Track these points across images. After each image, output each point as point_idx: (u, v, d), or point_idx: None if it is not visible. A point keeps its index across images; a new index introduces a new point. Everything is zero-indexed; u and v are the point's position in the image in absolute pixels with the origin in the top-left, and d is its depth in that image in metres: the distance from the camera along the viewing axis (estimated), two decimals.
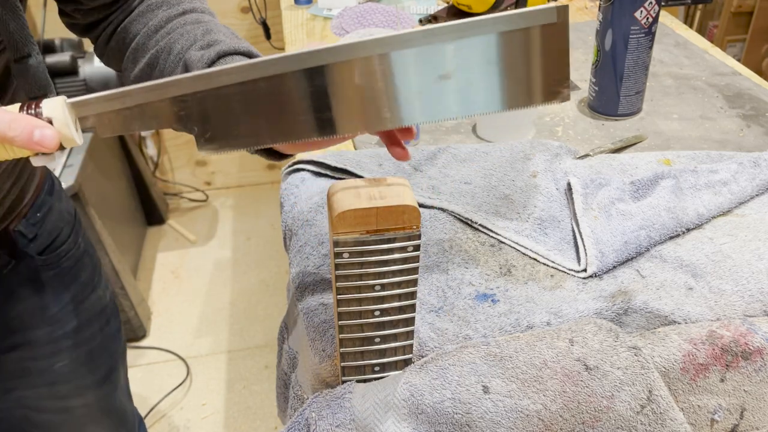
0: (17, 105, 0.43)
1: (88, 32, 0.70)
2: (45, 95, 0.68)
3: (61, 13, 0.70)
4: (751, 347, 0.54)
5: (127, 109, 0.44)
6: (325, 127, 0.46)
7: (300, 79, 0.44)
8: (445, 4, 1.33)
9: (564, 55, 0.43)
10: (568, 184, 0.74)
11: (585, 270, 0.64)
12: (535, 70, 0.44)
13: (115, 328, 0.92)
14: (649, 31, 0.86)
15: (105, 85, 1.67)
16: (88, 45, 1.95)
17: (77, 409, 0.89)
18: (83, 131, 0.45)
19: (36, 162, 0.45)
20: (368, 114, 0.45)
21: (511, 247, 0.68)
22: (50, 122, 0.43)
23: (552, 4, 0.41)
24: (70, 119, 0.44)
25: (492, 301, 0.61)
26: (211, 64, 0.58)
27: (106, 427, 0.96)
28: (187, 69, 0.60)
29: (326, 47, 0.43)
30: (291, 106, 0.45)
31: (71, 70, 1.65)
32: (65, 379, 0.85)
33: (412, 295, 0.49)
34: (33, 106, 0.43)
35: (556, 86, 0.44)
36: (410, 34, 0.42)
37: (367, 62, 0.43)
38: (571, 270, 0.64)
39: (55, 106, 0.43)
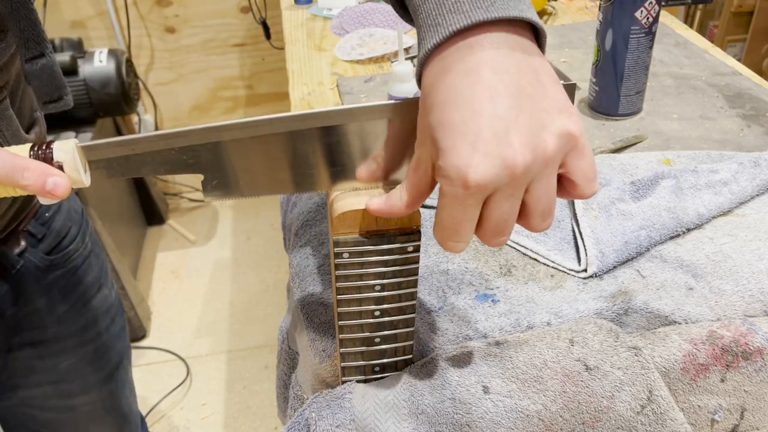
0: (27, 146, 0.44)
1: None
2: (60, 98, 0.68)
3: None
4: (751, 347, 0.54)
5: (137, 155, 0.45)
6: (337, 179, 0.47)
7: (310, 136, 0.45)
8: None
9: None
10: None
11: (585, 270, 0.64)
12: None
13: (120, 326, 0.93)
14: (650, 31, 0.85)
15: (104, 84, 1.67)
16: (87, 45, 1.95)
17: (82, 407, 0.89)
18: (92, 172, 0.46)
19: (43, 201, 0.46)
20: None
21: (511, 247, 0.68)
22: (61, 167, 0.44)
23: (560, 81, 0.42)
24: (80, 163, 0.44)
25: (492, 301, 0.61)
26: None
27: (110, 426, 0.96)
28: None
29: (334, 109, 0.44)
30: (299, 161, 0.46)
31: (71, 70, 1.65)
32: (70, 378, 0.85)
33: (412, 296, 0.49)
34: (44, 148, 0.44)
35: None
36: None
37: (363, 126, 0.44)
38: (572, 270, 0.64)
39: (66, 149, 0.44)
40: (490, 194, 0.38)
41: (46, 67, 0.64)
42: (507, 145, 0.36)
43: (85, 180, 0.45)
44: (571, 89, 0.43)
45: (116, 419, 0.97)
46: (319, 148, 0.45)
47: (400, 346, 0.51)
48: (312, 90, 1.07)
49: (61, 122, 1.70)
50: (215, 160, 0.45)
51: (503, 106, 0.36)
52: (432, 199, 0.73)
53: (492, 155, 0.36)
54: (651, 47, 0.87)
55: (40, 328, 0.80)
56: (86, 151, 0.45)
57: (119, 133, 2.02)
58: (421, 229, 0.46)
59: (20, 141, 0.65)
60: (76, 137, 1.67)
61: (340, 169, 0.46)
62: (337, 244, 0.45)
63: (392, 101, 0.44)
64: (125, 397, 0.97)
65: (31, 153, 0.44)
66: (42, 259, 0.77)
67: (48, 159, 0.44)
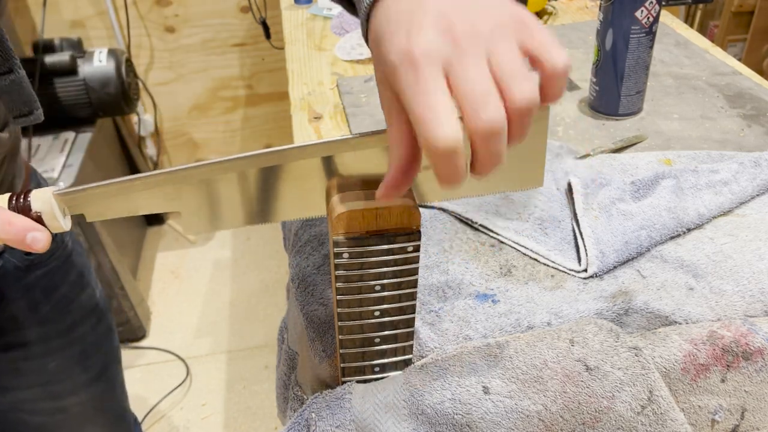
0: (6, 196, 0.45)
1: None
2: (30, 112, 0.68)
3: None
4: (751, 347, 0.54)
5: (117, 198, 0.46)
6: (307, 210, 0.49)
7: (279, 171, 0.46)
8: None
9: (540, 149, 0.46)
10: (569, 184, 0.74)
11: (585, 270, 0.64)
12: (512, 161, 0.45)
13: (107, 326, 0.92)
14: (650, 31, 0.85)
15: (104, 84, 1.67)
16: (87, 44, 1.95)
17: (72, 408, 0.89)
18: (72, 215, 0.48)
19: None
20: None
21: (512, 247, 0.68)
22: (39, 217, 0.45)
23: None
24: (58, 210, 0.45)
25: (492, 301, 0.61)
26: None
27: (103, 426, 0.96)
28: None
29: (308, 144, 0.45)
30: (272, 193, 0.47)
31: (71, 70, 1.65)
32: (59, 378, 0.85)
33: (412, 296, 0.49)
34: (22, 199, 0.45)
35: (532, 176, 0.48)
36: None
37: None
38: (572, 270, 0.64)
39: (43, 200, 0.45)
40: (447, 68, 0.37)
41: (15, 82, 0.65)
42: (445, 18, 0.37)
43: (64, 225, 0.46)
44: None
45: (108, 419, 0.96)
46: (288, 182, 0.47)
47: (400, 346, 0.51)
48: (312, 90, 1.07)
49: (62, 122, 1.70)
50: (193, 199, 0.47)
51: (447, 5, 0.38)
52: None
53: (429, 27, 0.37)
54: (651, 47, 0.87)
55: (23, 329, 0.80)
56: (64, 198, 0.46)
57: (119, 133, 2.02)
58: (421, 229, 0.46)
59: None
60: (75, 137, 1.67)
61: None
62: (337, 244, 0.45)
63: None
64: (116, 396, 0.97)
65: (10, 204, 0.45)
66: (22, 260, 0.76)
67: (26, 209, 0.45)
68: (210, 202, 0.47)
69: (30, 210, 0.45)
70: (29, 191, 0.45)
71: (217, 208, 0.48)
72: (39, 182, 0.82)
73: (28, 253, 0.77)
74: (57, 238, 0.81)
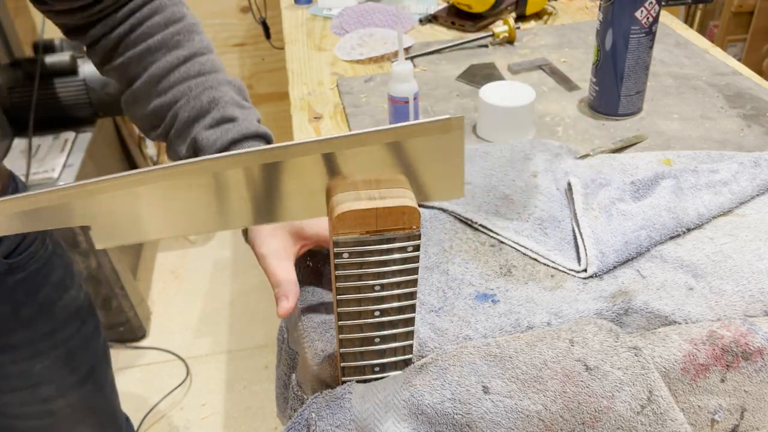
0: None
1: (75, 36, 0.68)
2: None
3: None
4: (751, 347, 0.54)
5: (25, 213, 0.45)
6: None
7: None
8: (445, 4, 1.32)
9: (459, 160, 0.46)
10: (569, 184, 0.74)
11: (585, 270, 0.64)
12: (432, 173, 0.47)
13: (93, 327, 0.91)
14: (650, 31, 0.85)
15: (104, 84, 1.67)
16: None
17: (61, 410, 0.88)
18: None
19: None
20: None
21: (512, 247, 0.68)
22: None
23: (446, 116, 0.44)
24: None
25: (492, 301, 0.61)
26: (224, 149, 0.62)
27: (93, 427, 0.95)
28: (196, 148, 0.63)
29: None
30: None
31: (71, 70, 1.65)
32: (46, 381, 0.85)
33: (412, 296, 0.49)
34: None
35: (452, 186, 0.48)
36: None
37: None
38: (572, 270, 0.64)
39: None
40: None
41: None
42: None
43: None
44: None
45: (99, 421, 0.96)
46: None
47: (400, 346, 0.51)
48: (312, 90, 1.07)
49: (62, 122, 1.70)
50: (108, 210, 0.46)
51: None
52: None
53: None
54: (651, 47, 0.87)
55: (7, 333, 0.79)
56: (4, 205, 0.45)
57: (119, 133, 2.02)
58: (421, 229, 0.46)
59: None
60: (76, 137, 1.67)
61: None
62: (337, 244, 0.45)
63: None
64: (106, 397, 0.96)
65: None
66: (1, 263, 0.76)
67: None
68: (116, 216, 0.46)
69: None
70: None
71: (123, 221, 0.47)
72: (17, 187, 0.82)
73: (7, 256, 0.77)
74: (37, 240, 0.81)
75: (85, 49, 0.69)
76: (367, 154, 0.45)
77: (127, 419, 1.10)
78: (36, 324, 0.82)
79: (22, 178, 1.49)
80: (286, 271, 0.58)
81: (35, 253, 0.80)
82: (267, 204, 0.48)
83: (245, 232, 0.62)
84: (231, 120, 0.63)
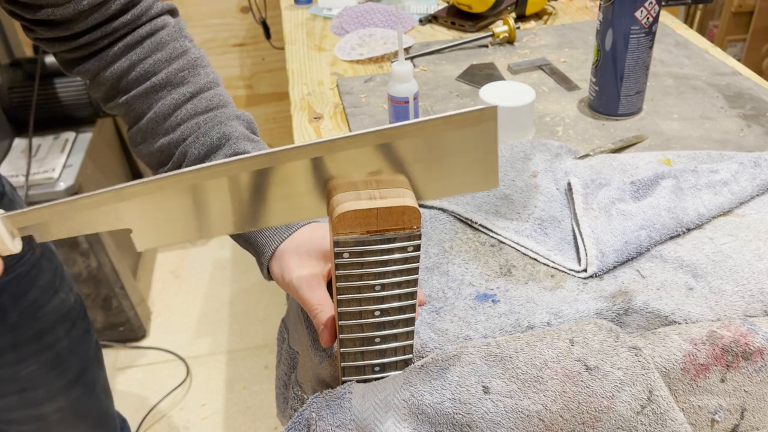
0: None
1: (70, 69, 0.67)
2: None
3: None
4: (751, 347, 0.54)
5: (64, 219, 0.46)
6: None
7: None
8: (446, 4, 1.33)
9: (492, 150, 0.46)
10: (569, 184, 0.74)
11: (585, 270, 0.64)
12: (466, 164, 0.47)
13: (83, 330, 0.91)
14: (650, 31, 0.85)
15: None
16: None
17: (51, 415, 0.88)
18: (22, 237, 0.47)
19: None
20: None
21: (512, 247, 0.68)
22: None
23: (479, 107, 0.43)
24: (6, 233, 0.45)
25: (492, 301, 0.61)
26: None
27: (84, 431, 0.94)
28: None
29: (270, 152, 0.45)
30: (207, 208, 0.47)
31: None
32: (34, 385, 0.84)
33: (412, 295, 0.49)
34: None
35: (486, 177, 0.48)
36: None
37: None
38: (572, 270, 0.64)
39: None
40: None
41: None
42: None
43: (13, 247, 0.46)
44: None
45: (90, 424, 0.95)
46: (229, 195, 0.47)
47: (400, 346, 0.51)
48: (312, 90, 1.07)
49: (62, 122, 1.70)
50: (144, 214, 0.46)
51: None
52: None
53: None
54: (651, 47, 0.87)
55: None
56: (12, 220, 0.45)
57: (119, 133, 2.02)
58: (421, 229, 0.46)
59: None
60: (76, 137, 1.67)
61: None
62: (337, 244, 0.45)
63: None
64: (97, 400, 0.95)
65: None
66: None
67: None
68: (154, 219, 0.47)
69: None
70: None
71: (161, 224, 0.47)
72: (5, 189, 0.81)
73: None
74: (24, 244, 0.80)
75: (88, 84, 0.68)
76: (401, 148, 0.44)
77: (124, 421, 1.09)
78: (22, 328, 0.81)
79: (22, 179, 1.50)
80: (320, 299, 0.56)
81: (22, 257, 0.80)
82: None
83: (268, 271, 0.61)
84: (243, 154, 0.62)
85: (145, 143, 0.66)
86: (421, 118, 0.44)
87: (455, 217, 0.72)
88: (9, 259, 0.78)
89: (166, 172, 0.65)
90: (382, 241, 0.45)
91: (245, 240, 0.62)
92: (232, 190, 0.46)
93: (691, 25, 2.27)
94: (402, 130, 0.44)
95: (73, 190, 1.54)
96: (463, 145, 0.45)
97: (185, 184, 0.45)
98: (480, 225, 0.70)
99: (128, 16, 0.63)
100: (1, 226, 0.45)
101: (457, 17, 1.25)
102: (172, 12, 0.68)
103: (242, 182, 0.46)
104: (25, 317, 0.81)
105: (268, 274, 0.61)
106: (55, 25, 0.61)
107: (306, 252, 0.58)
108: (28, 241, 0.82)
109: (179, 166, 0.64)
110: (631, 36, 0.85)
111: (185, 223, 0.47)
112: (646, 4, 0.83)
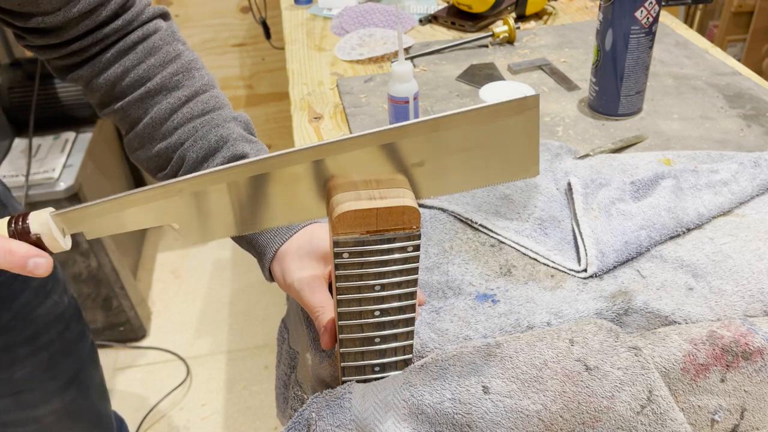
0: (5, 220, 0.45)
1: (64, 76, 0.67)
2: None
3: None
4: (751, 347, 0.54)
5: (113, 215, 0.46)
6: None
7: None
8: (446, 4, 1.33)
9: (534, 139, 0.46)
10: (569, 184, 0.74)
11: (585, 270, 0.64)
12: (507, 153, 0.47)
13: (77, 331, 0.90)
14: (650, 31, 0.85)
15: None
16: None
17: (46, 417, 0.87)
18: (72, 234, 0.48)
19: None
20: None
21: (512, 247, 0.68)
22: (39, 239, 0.45)
23: (522, 95, 0.44)
24: (57, 231, 0.46)
25: (492, 301, 0.61)
26: None
27: None
28: None
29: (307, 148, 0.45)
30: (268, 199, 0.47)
31: None
32: (28, 387, 0.84)
33: (412, 295, 0.49)
34: (21, 222, 0.45)
35: (527, 165, 0.48)
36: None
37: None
38: (572, 270, 0.64)
39: (41, 222, 0.45)
40: None
41: None
42: None
43: (64, 245, 0.46)
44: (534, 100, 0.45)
45: (86, 425, 0.95)
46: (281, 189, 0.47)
47: (400, 346, 0.51)
48: (312, 90, 1.07)
49: (62, 122, 1.70)
50: (190, 210, 0.47)
51: None
52: (432, 199, 0.73)
53: None
54: (651, 47, 0.87)
55: None
56: (62, 218, 0.46)
57: (119, 133, 2.02)
58: (421, 229, 0.46)
59: None
60: (76, 137, 1.67)
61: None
62: (337, 244, 0.45)
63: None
64: (92, 401, 0.95)
65: (9, 227, 0.45)
66: None
67: (25, 232, 0.45)
68: (201, 213, 0.47)
69: (29, 233, 0.45)
70: (27, 214, 0.45)
71: (209, 218, 0.48)
72: None
73: None
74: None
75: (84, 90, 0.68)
76: (448, 138, 0.45)
77: (122, 422, 1.09)
78: (14, 330, 0.81)
79: (22, 179, 1.50)
80: (321, 301, 0.56)
81: None
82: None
83: (269, 272, 0.61)
84: (242, 157, 0.62)
85: (142, 149, 0.66)
86: (465, 108, 0.44)
87: (455, 217, 0.72)
88: None
89: (164, 176, 0.65)
90: (382, 241, 0.45)
91: (247, 242, 0.62)
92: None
93: (691, 25, 2.27)
94: (448, 120, 0.44)
95: (73, 191, 1.54)
96: (507, 134, 0.45)
97: (228, 180, 0.46)
98: (480, 225, 0.70)
99: (119, 22, 0.63)
100: (52, 225, 0.45)
101: (457, 17, 1.25)
102: (164, 15, 0.68)
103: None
104: (17, 320, 0.81)
105: (270, 276, 0.61)
106: (46, 32, 0.61)
107: (306, 254, 0.58)
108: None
109: (178, 171, 0.64)
110: (631, 36, 0.85)
111: (229, 218, 0.48)
112: (646, 4, 0.83)
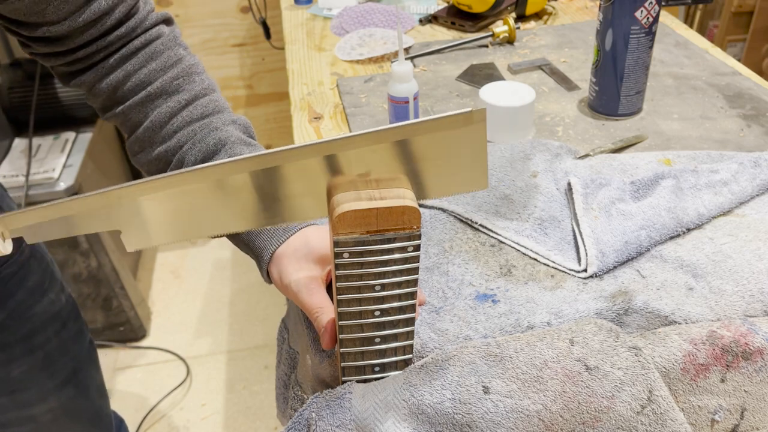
0: None
1: (67, 81, 0.68)
2: None
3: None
4: (751, 347, 0.54)
5: (55, 220, 0.46)
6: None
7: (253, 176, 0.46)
8: (446, 4, 1.33)
9: (482, 152, 0.46)
10: (569, 184, 0.74)
11: (585, 270, 0.64)
12: (455, 165, 0.47)
13: (75, 330, 0.90)
14: (650, 31, 0.85)
15: None
16: None
17: (42, 416, 0.87)
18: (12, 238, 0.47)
19: None
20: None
21: (512, 247, 0.68)
22: None
23: (468, 109, 0.44)
24: None
25: (492, 301, 0.61)
26: None
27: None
28: None
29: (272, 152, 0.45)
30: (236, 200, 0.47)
31: None
32: (24, 386, 0.84)
33: (412, 295, 0.49)
34: None
35: (476, 178, 0.48)
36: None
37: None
38: (572, 270, 0.64)
39: None
40: None
41: None
42: None
43: (3, 249, 0.46)
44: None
45: (84, 425, 0.95)
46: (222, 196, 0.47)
47: (400, 346, 0.51)
48: (312, 90, 1.07)
49: (62, 122, 1.70)
50: (136, 214, 0.46)
51: None
52: (432, 199, 0.73)
53: None
54: (651, 47, 0.87)
55: None
56: (2, 222, 0.46)
57: (119, 133, 2.02)
58: (421, 229, 0.46)
59: None
60: (76, 137, 1.67)
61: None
62: (337, 244, 0.45)
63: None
64: (91, 401, 0.95)
65: None
66: None
67: None
68: (145, 220, 0.47)
69: None
70: None
71: (151, 224, 0.47)
72: None
73: None
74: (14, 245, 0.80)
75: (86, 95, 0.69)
76: (386, 150, 0.45)
77: (121, 422, 1.09)
78: (10, 329, 0.81)
79: (22, 179, 1.50)
80: (319, 302, 0.56)
81: (9, 258, 0.79)
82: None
83: (268, 273, 0.61)
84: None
85: (143, 152, 0.66)
86: (412, 120, 0.44)
87: (455, 217, 0.72)
88: None
89: None
90: (382, 241, 0.45)
91: (245, 244, 0.62)
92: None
93: (691, 25, 2.27)
94: (393, 132, 0.44)
95: (73, 191, 1.54)
96: (454, 146, 0.45)
97: (194, 183, 0.45)
98: (480, 225, 0.70)
99: (123, 30, 0.64)
100: None
101: (457, 17, 1.25)
102: (167, 21, 0.68)
103: (258, 180, 0.46)
104: (12, 318, 0.81)
105: (268, 278, 0.61)
106: (52, 41, 0.62)
107: (303, 256, 0.58)
108: (16, 242, 0.83)
109: None
110: (631, 36, 0.85)
111: (178, 223, 0.48)
112: (646, 4, 0.83)
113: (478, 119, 0.44)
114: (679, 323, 0.57)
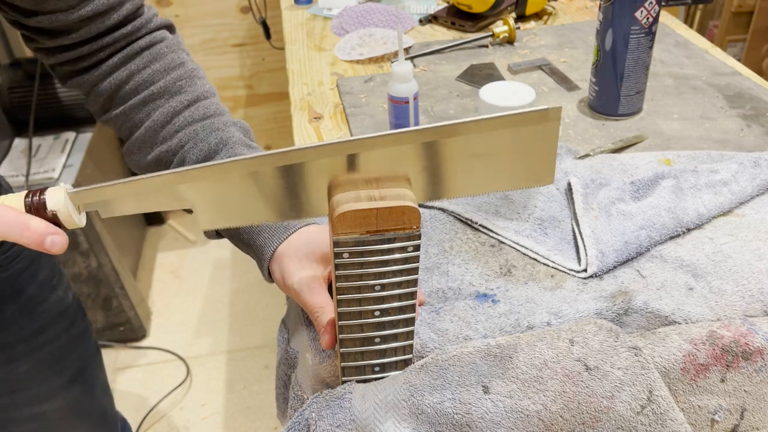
0: (22, 195, 0.46)
1: (68, 81, 0.68)
2: None
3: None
4: (751, 347, 0.54)
5: (128, 196, 0.47)
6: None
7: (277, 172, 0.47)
8: (446, 4, 1.33)
9: (552, 149, 0.47)
10: (569, 184, 0.74)
11: (585, 270, 0.64)
12: (524, 161, 0.48)
13: (82, 329, 0.91)
14: (650, 31, 0.85)
15: None
16: None
17: (50, 413, 0.87)
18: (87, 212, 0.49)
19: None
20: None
21: (512, 247, 0.68)
22: (55, 215, 0.46)
23: (544, 106, 0.45)
24: (73, 208, 0.47)
25: (492, 301, 0.61)
26: None
27: (85, 430, 0.94)
28: None
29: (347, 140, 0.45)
30: (297, 190, 0.48)
31: None
32: (31, 383, 0.84)
33: (412, 295, 0.49)
34: (38, 197, 0.46)
35: (542, 174, 0.49)
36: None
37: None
38: (572, 270, 0.64)
39: (58, 198, 0.46)
40: None
41: None
42: None
43: (78, 222, 0.47)
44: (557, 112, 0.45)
45: (90, 424, 0.95)
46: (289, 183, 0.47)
47: (400, 346, 0.51)
48: (312, 90, 1.07)
49: (62, 122, 1.70)
50: (209, 195, 0.47)
51: None
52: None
53: None
54: (651, 47, 0.87)
55: None
56: (78, 196, 0.47)
57: None
58: (421, 229, 0.46)
59: None
60: (76, 137, 1.67)
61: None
62: (337, 244, 0.45)
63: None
64: (96, 400, 0.95)
65: (26, 202, 0.46)
66: None
67: (42, 208, 0.46)
68: (220, 198, 0.48)
69: (45, 209, 0.46)
70: (45, 189, 0.46)
71: (226, 204, 0.48)
72: (0, 183, 0.81)
73: None
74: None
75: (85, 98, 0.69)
76: (466, 142, 0.45)
77: (125, 422, 1.09)
78: (18, 325, 0.81)
79: (22, 179, 1.50)
80: (321, 302, 0.56)
81: (19, 253, 0.80)
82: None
83: (269, 272, 0.61)
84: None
85: (142, 152, 0.66)
86: (485, 116, 0.45)
87: (455, 217, 0.72)
88: (5, 256, 0.78)
89: None
90: (382, 241, 0.45)
91: (245, 243, 0.62)
92: (278, 179, 0.47)
93: (691, 25, 2.27)
94: (466, 127, 0.45)
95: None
96: (525, 142, 0.46)
97: (249, 170, 0.46)
98: (480, 225, 0.70)
99: (128, 28, 0.64)
100: (68, 201, 0.46)
101: (457, 17, 1.25)
102: (170, 27, 0.69)
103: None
104: (22, 314, 0.81)
105: (269, 277, 0.61)
106: (56, 34, 0.62)
107: (305, 255, 0.59)
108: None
109: None
110: (631, 36, 0.85)
111: (249, 206, 0.48)
112: (646, 4, 0.83)
113: (554, 117, 0.45)
114: (679, 323, 0.57)
